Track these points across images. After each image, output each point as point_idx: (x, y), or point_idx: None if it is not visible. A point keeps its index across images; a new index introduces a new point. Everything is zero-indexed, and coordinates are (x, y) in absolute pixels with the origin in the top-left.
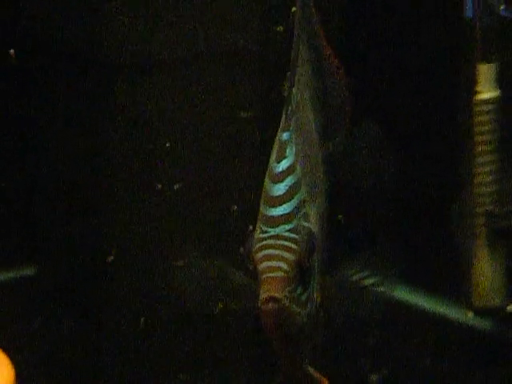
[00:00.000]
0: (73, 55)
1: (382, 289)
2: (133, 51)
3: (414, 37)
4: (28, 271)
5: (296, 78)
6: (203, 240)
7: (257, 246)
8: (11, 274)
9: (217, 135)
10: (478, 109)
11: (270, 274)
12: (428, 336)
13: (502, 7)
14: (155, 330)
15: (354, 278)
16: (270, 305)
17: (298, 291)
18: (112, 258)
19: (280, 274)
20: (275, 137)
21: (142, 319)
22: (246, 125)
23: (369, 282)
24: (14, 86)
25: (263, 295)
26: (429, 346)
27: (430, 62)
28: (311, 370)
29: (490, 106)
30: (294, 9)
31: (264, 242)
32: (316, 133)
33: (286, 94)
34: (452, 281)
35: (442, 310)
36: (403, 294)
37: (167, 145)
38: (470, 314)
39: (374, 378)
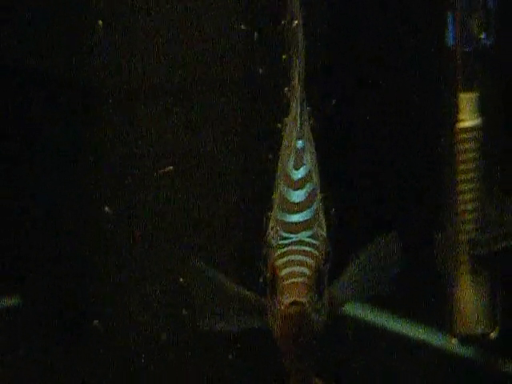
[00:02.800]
0: (57, 82)
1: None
2: (117, 78)
3: (395, 65)
4: (12, 301)
5: (302, 83)
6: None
7: (278, 252)
8: None
9: (201, 162)
10: (459, 137)
11: (294, 280)
12: (411, 363)
13: (482, 35)
14: (144, 356)
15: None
16: (295, 308)
17: (316, 298)
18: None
19: (303, 279)
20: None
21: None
22: (232, 152)
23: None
24: None
25: (287, 300)
26: (412, 373)
27: (411, 90)
28: (319, 381)
29: (472, 134)
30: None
31: (286, 249)
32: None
33: (296, 102)
34: (435, 308)
35: (425, 336)
36: (386, 320)
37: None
38: (454, 341)
39: None
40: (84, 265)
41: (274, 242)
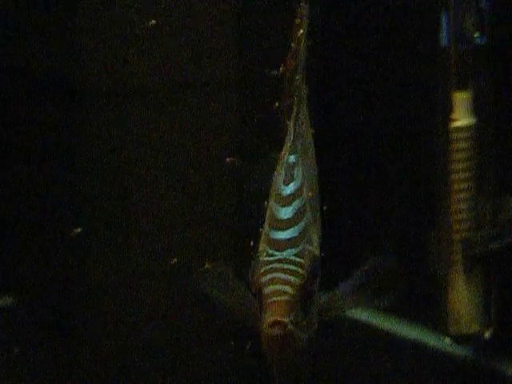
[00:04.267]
0: (48, 82)
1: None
2: (109, 79)
3: (389, 64)
4: (4, 302)
5: (300, 97)
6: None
7: (262, 269)
8: None
9: (192, 165)
10: (453, 136)
11: (276, 298)
12: (404, 362)
13: (476, 35)
14: (138, 354)
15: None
16: (276, 329)
17: (301, 316)
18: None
19: (286, 298)
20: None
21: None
22: (223, 155)
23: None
24: None
25: (269, 319)
26: (405, 372)
27: (405, 89)
28: None
29: (466, 134)
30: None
31: (270, 266)
32: (314, 156)
33: (291, 115)
34: (429, 307)
35: (418, 336)
36: (380, 320)
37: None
38: (447, 341)
39: None
40: (77, 264)
41: (260, 258)
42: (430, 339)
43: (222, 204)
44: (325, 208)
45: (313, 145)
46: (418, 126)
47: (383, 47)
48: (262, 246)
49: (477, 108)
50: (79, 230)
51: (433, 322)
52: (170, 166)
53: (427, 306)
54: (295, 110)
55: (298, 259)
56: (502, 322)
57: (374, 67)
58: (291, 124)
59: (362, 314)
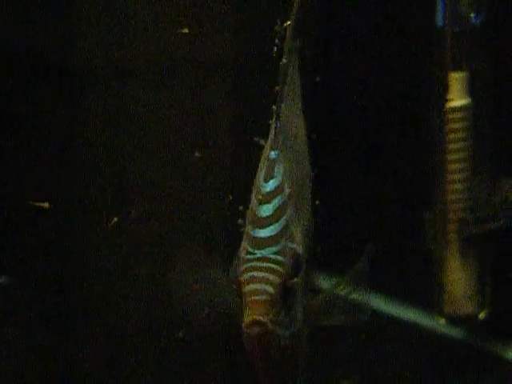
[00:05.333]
0: (45, 62)
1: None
2: (106, 58)
3: (386, 45)
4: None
5: (285, 94)
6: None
7: (242, 267)
8: None
9: (189, 143)
10: (449, 116)
11: (255, 297)
12: (400, 342)
13: (472, 15)
14: (129, 340)
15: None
16: (255, 328)
17: (282, 313)
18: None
19: (265, 297)
20: (260, 154)
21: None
22: (219, 134)
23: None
24: None
25: (248, 318)
26: (400, 352)
27: (402, 70)
28: None
29: (462, 114)
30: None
31: (250, 264)
32: (306, 150)
33: (274, 110)
34: (424, 288)
35: (414, 317)
36: (376, 301)
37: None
38: (442, 321)
39: (345, 383)
40: (73, 245)
41: (241, 256)
42: (426, 320)
43: (217, 187)
44: (317, 203)
45: (305, 138)
46: (414, 107)
47: (380, 28)
48: (244, 244)
49: (472, 88)
50: (115, 219)
51: (428, 303)
52: (166, 145)
53: (423, 286)
54: (276, 106)
55: (278, 257)
56: (496, 303)
57: (370, 49)
58: (273, 120)
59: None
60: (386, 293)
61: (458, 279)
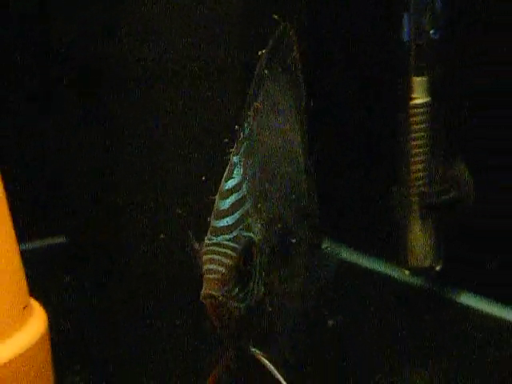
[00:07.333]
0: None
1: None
2: (134, 62)
3: (362, 55)
4: (59, 240)
5: (252, 109)
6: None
7: (203, 250)
8: (46, 242)
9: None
10: (413, 111)
11: (209, 276)
12: (371, 290)
13: (432, 31)
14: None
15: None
16: (208, 300)
17: (236, 290)
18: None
19: (218, 276)
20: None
21: None
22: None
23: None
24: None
25: (203, 292)
26: (372, 298)
27: (375, 74)
28: (256, 352)
29: (423, 109)
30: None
31: (208, 248)
32: (297, 150)
33: (240, 122)
34: (392, 246)
35: (383, 268)
36: (352, 256)
37: None
38: (407, 273)
39: (330, 322)
40: (116, 209)
41: (204, 241)
42: (393, 271)
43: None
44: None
45: (299, 142)
46: (385, 104)
47: (357, 42)
48: (208, 232)
49: (431, 89)
50: (181, 211)
51: (395, 258)
52: (185, 139)
53: (391, 245)
54: (243, 115)
55: (231, 244)
56: (449, 258)
57: (350, 58)
58: (239, 127)
59: (340, 252)
60: (361, 250)
61: (419, 239)
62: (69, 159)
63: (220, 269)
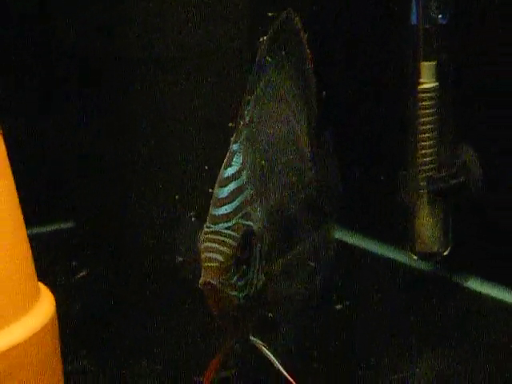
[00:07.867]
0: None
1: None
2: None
3: (372, 39)
4: (67, 224)
5: (253, 97)
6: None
7: (202, 238)
8: (53, 227)
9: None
10: (420, 96)
11: (208, 264)
12: (380, 275)
13: (439, 16)
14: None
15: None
16: (206, 287)
17: (235, 278)
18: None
19: (216, 264)
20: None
21: None
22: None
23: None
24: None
25: (201, 279)
26: (380, 283)
27: (385, 59)
28: (257, 342)
29: (430, 94)
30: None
31: (206, 236)
32: (299, 141)
33: (240, 109)
34: (400, 231)
35: (392, 254)
36: (361, 241)
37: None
38: (415, 257)
39: (338, 306)
40: (124, 195)
41: (203, 229)
42: (401, 256)
43: None
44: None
45: (305, 132)
46: (394, 88)
47: (366, 26)
48: (207, 220)
49: (439, 74)
50: (191, 214)
51: (403, 243)
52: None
53: (399, 230)
54: (243, 103)
55: (229, 232)
56: (457, 243)
57: (359, 43)
58: (238, 118)
59: (348, 238)
60: (369, 236)
61: (427, 224)
62: (77, 145)
63: (218, 257)
